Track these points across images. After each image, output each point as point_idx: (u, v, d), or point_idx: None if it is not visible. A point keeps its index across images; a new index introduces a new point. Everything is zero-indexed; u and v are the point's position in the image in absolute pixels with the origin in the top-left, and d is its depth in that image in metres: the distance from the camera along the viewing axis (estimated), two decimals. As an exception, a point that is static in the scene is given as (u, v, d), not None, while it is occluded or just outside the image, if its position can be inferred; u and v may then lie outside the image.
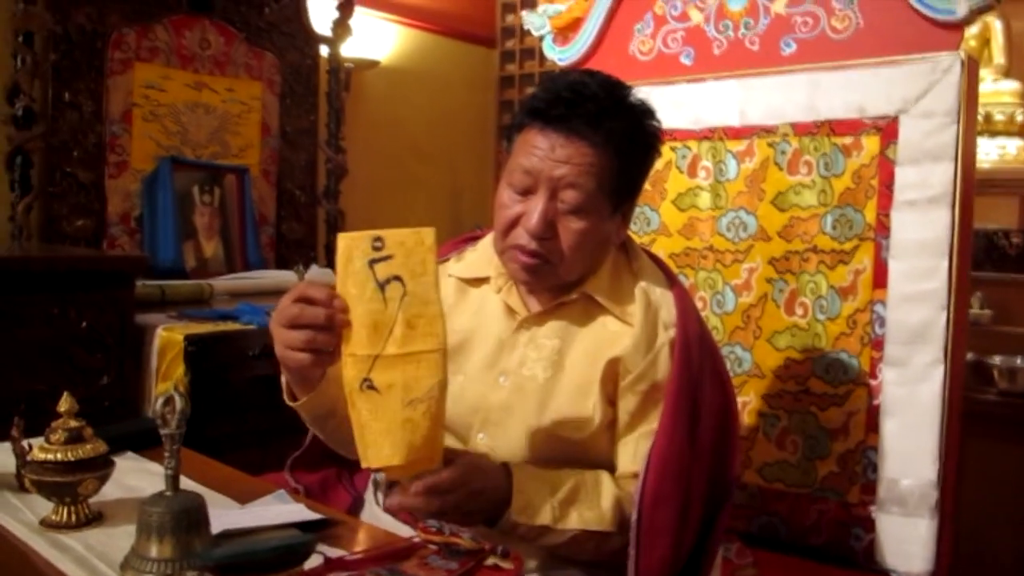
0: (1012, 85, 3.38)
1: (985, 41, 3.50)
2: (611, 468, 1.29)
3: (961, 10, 1.60)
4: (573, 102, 1.23)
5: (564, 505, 1.19)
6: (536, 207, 1.22)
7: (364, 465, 1.04)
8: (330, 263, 3.58)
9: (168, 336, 2.21)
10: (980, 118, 3.33)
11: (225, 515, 1.07)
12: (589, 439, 1.27)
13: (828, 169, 1.72)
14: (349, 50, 3.75)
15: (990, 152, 3.29)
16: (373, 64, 4.02)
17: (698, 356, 1.30)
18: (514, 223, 1.25)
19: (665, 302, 1.32)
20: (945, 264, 1.59)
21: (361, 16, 3.81)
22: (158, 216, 3.05)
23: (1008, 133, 3.31)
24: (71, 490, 1.07)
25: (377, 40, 4.07)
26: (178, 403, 0.92)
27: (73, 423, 1.10)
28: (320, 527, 1.10)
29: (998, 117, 3.31)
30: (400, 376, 1.02)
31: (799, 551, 1.75)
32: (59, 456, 1.06)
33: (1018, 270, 3.02)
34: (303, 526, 1.07)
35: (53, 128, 2.87)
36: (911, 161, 1.63)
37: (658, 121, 1.32)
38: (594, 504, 1.22)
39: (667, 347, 1.28)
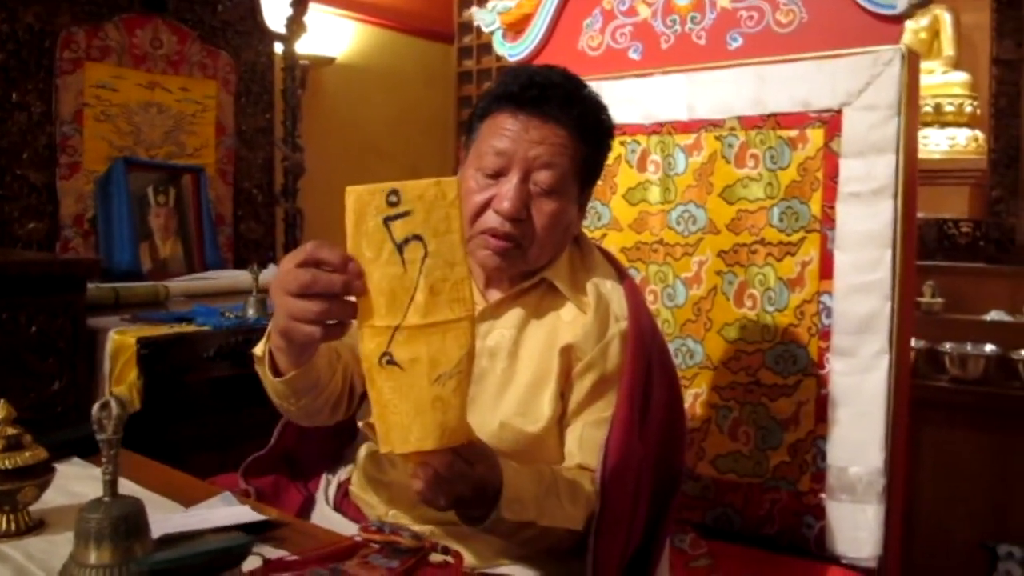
0: (961, 76, 3.44)
1: (935, 33, 3.56)
2: (562, 462, 1.30)
3: (901, 4, 1.63)
4: (544, 86, 1.24)
5: (544, 501, 1.17)
6: (510, 188, 1.22)
7: (385, 450, 0.94)
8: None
9: (121, 339, 2.18)
10: (930, 109, 3.39)
11: (168, 519, 1.06)
12: (543, 432, 1.27)
13: (774, 162, 1.74)
14: (304, 47, 3.72)
15: (940, 143, 3.35)
16: (329, 61, 4.00)
17: (649, 350, 1.31)
18: (483, 208, 1.24)
19: (616, 295, 1.32)
20: (889, 254, 1.62)
21: (316, 13, 3.79)
22: (112, 218, 3.01)
23: (958, 124, 3.37)
24: (10, 498, 1.05)
25: (333, 37, 4.05)
26: (114, 408, 0.91)
27: (11, 430, 1.08)
28: (265, 529, 1.09)
29: (948, 108, 3.37)
30: (425, 349, 0.91)
31: (753, 541, 1.77)
32: (-3, 464, 1.05)
33: (969, 258, 3.07)
34: (247, 528, 1.06)
35: (2, 129, 2.82)
36: (855, 153, 1.65)
37: (610, 117, 1.34)
38: (569, 500, 1.20)
39: (618, 338, 1.28)
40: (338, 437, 1.48)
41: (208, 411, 2.32)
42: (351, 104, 4.21)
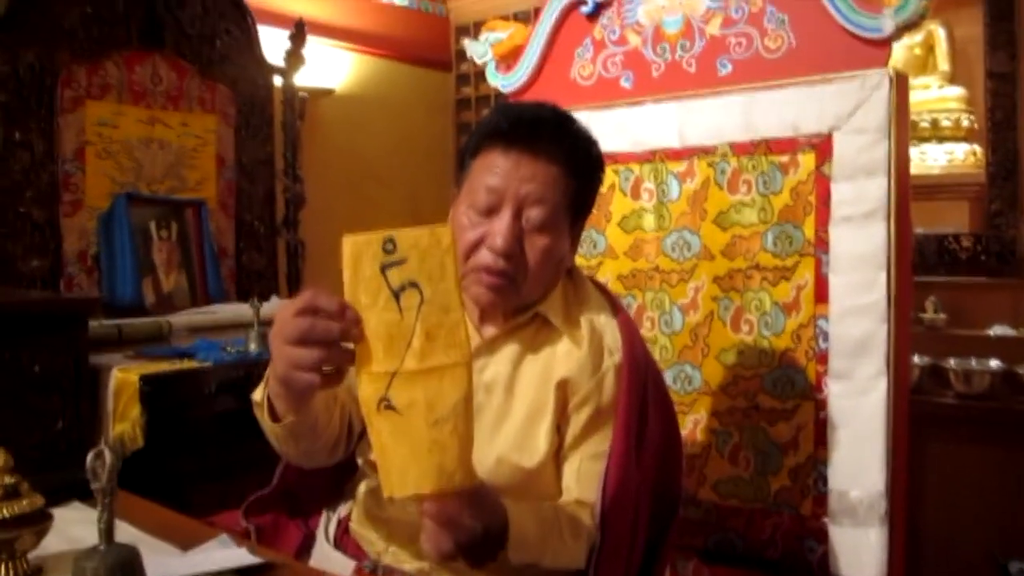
0: (957, 91, 3.45)
1: (929, 48, 3.57)
2: (559, 496, 1.30)
3: (888, 28, 1.64)
4: (534, 123, 1.25)
5: (548, 541, 1.17)
6: (502, 225, 1.22)
7: (387, 494, 0.94)
8: (292, 293, 3.58)
9: (123, 377, 2.20)
10: (927, 124, 3.40)
11: (165, 563, 1.07)
12: (539, 466, 1.27)
13: (767, 187, 1.75)
14: (303, 79, 3.75)
15: (938, 158, 3.35)
16: (328, 92, 4.04)
17: (643, 382, 1.32)
18: (476, 245, 1.24)
19: (610, 328, 1.33)
20: (883, 276, 1.62)
21: (314, 45, 3.82)
22: (115, 253, 3.04)
23: (955, 138, 3.38)
24: (8, 546, 1.06)
25: (331, 68, 4.09)
26: (108, 457, 0.91)
27: (8, 479, 1.09)
28: (261, 572, 1.10)
29: (945, 123, 3.38)
30: (422, 393, 0.93)
31: (756, 565, 1.76)
32: (-6, 513, 1.06)
33: (970, 273, 3.07)
34: (244, 572, 1.06)
35: (4, 168, 2.85)
36: (846, 177, 1.65)
37: (600, 151, 1.35)
38: (572, 538, 1.20)
39: (612, 371, 1.29)
40: (339, 472, 1.48)
41: (210, 445, 2.33)
42: (350, 134, 4.24)
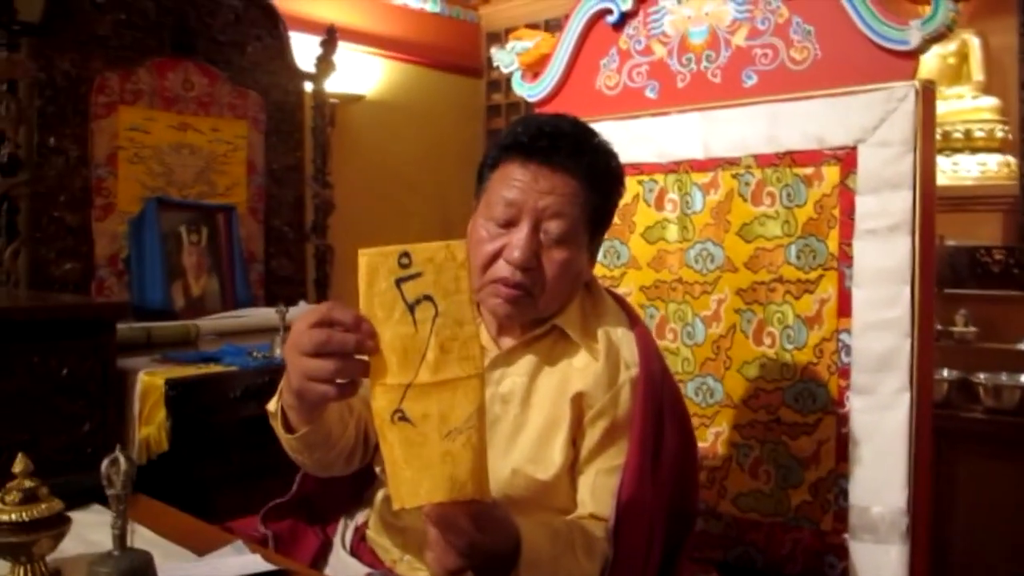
0: (991, 101, 3.40)
1: (963, 57, 3.52)
2: (574, 509, 1.30)
3: (915, 40, 1.62)
4: (554, 136, 1.26)
5: (561, 559, 1.16)
6: (520, 238, 1.23)
7: (397, 506, 0.95)
8: (320, 298, 3.61)
9: (149, 381, 2.22)
10: (960, 135, 3.36)
11: (179, 568, 1.08)
12: (554, 479, 1.27)
13: (791, 200, 1.73)
14: (333, 85, 3.78)
15: (971, 169, 3.31)
16: (358, 98, 4.06)
17: (660, 396, 1.31)
18: (494, 257, 1.25)
19: (627, 341, 1.32)
20: (907, 291, 1.60)
21: (345, 51, 3.85)
22: (145, 257, 3.08)
23: (989, 149, 3.33)
24: (26, 550, 1.08)
25: (362, 74, 4.11)
26: (122, 464, 0.93)
27: (28, 483, 1.11)
28: (273, 579, 1.11)
29: (978, 133, 3.33)
30: (436, 406, 0.94)
31: (776, 580, 1.75)
32: (13, 517, 1.07)
33: (1002, 286, 3.02)
34: (257, 578, 1.07)
35: (39, 174, 2.90)
36: (870, 190, 1.64)
37: (619, 164, 1.35)
38: (586, 556, 1.19)
39: (628, 385, 1.29)
40: (357, 480, 1.49)
41: (235, 449, 2.35)
42: (380, 140, 4.26)
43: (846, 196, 1.67)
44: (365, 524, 1.43)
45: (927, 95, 1.62)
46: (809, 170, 1.71)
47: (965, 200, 3.27)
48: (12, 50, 2.84)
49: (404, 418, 0.93)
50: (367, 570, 1.34)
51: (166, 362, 2.40)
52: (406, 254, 0.94)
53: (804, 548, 1.71)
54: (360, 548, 1.41)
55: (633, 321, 1.36)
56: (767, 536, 1.76)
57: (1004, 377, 2.70)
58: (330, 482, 1.47)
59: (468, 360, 0.95)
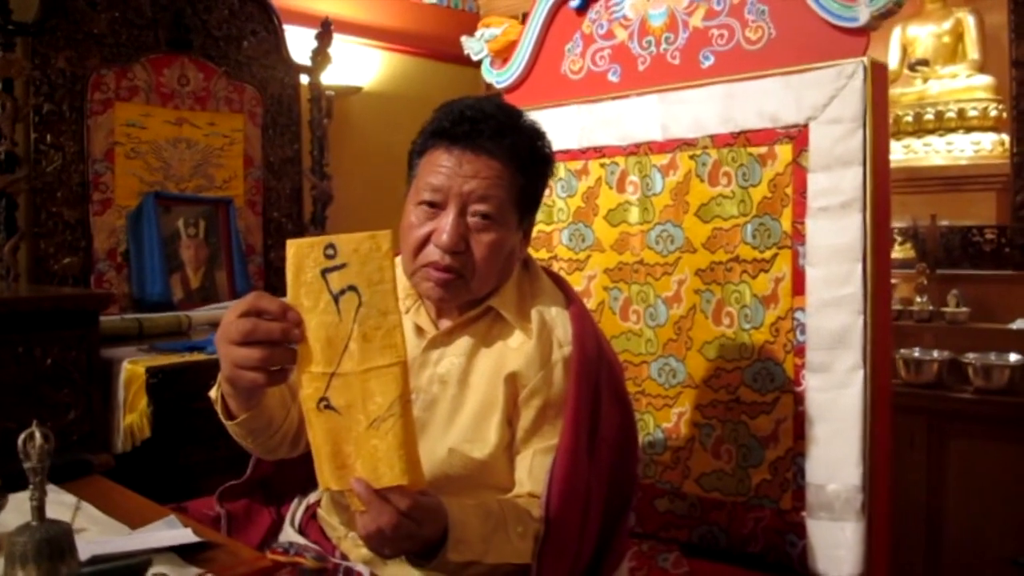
0: (985, 80, 3.36)
1: (959, 36, 3.48)
2: (511, 489, 1.32)
3: (863, 17, 1.62)
4: (476, 120, 1.27)
5: (492, 538, 1.18)
6: (448, 222, 1.25)
7: (323, 489, 0.99)
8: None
9: (132, 369, 2.27)
10: (954, 114, 3.32)
11: (109, 541, 1.12)
12: (490, 458, 1.30)
13: (746, 179, 1.74)
14: (331, 78, 3.80)
15: (965, 148, 3.27)
16: (356, 90, 4.08)
17: (595, 374, 1.33)
18: (424, 242, 1.27)
19: (561, 320, 1.34)
20: (859, 268, 1.60)
21: (341, 43, 3.87)
22: (144, 250, 3.12)
23: (983, 128, 3.29)
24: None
25: (359, 66, 4.13)
26: (38, 438, 0.96)
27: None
28: (200, 550, 1.13)
29: (972, 112, 3.29)
30: (359, 394, 0.97)
31: (739, 560, 1.76)
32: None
33: (994, 266, 2.99)
34: (185, 550, 1.10)
35: (37, 170, 2.95)
36: (822, 167, 1.64)
37: (549, 144, 1.36)
38: (518, 535, 1.22)
39: (561, 364, 1.30)
40: (312, 462, 1.52)
41: (219, 435, 2.36)
42: (378, 131, 4.27)
43: (799, 174, 1.68)
44: (317, 503, 1.46)
45: (877, 72, 1.63)
46: (763, 149, 1.72)
47: (959, 180, 3.24)
48: (7, 49, 2.88)
49: (330, 406, 0.98)
50: (312, 547, 1.36)
51: (152, 351, 2.45)
52: (331, 245, 0.98)
53: (765, 527, 1.72)
54: (309, 526, 1.44)
55: (570, 300, 1.38)
56: (729, 515, 1.77)
57: (993, 357, 2.69)
58: (284, 463, 1.51)
59: (390, 348, 0.98)
